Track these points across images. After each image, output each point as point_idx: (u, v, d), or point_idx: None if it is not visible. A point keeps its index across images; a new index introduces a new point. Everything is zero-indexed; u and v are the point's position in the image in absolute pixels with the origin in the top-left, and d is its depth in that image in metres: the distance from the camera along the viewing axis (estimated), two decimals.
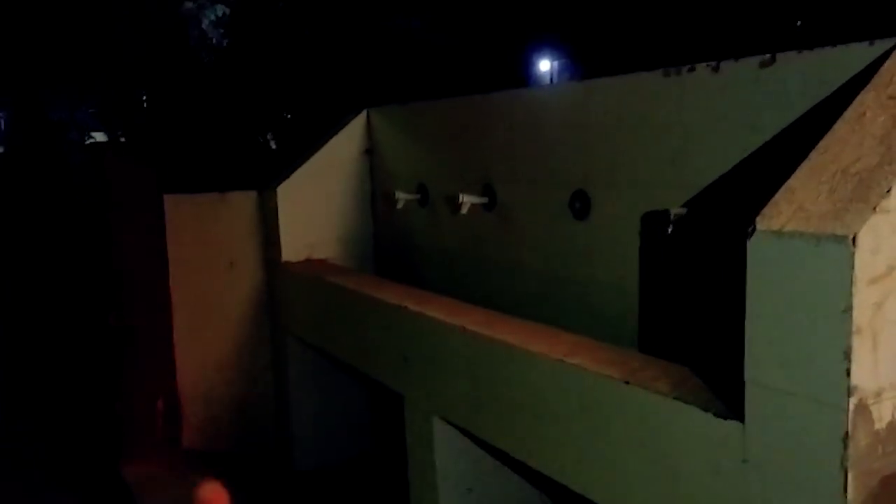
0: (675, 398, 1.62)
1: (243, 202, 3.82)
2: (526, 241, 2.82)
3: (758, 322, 1.42)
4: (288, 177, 3.65)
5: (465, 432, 2.45)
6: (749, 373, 1.44)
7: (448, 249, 3.29)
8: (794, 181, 1.45)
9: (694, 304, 2.14)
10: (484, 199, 2.97)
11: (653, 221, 2.21)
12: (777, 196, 1.44)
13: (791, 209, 1.39)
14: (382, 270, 3.79)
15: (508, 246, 2.91)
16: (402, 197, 3.42)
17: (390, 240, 3.77)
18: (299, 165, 3.69)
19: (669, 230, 2.05)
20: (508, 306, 2.55)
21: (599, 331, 2.29)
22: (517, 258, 2.86)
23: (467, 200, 2.94)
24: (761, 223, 1.41)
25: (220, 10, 12.52)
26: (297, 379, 3.72)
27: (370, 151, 3.79)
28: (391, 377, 2.76)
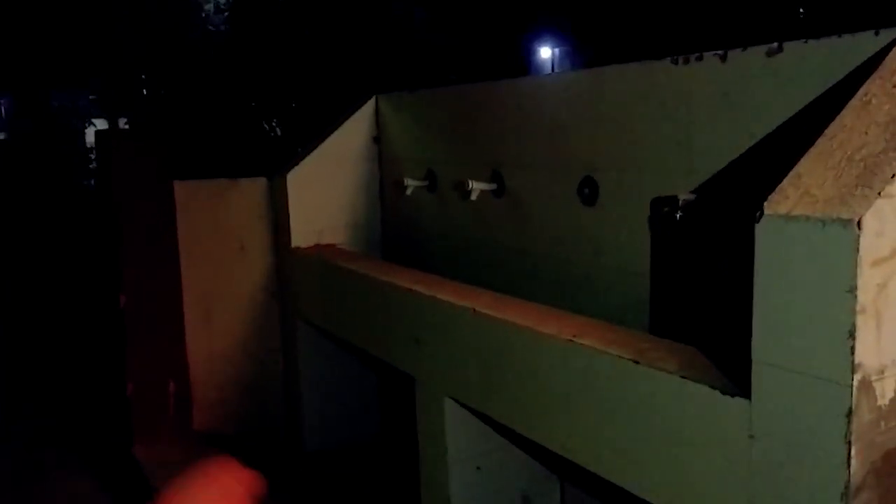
0: (682, 376, 1.68)
1: (253, 188, 3.87)
2: (534, 227, 2.87)
3: (765, 303, 1.47)
4: (297, 164, 3.70)
5: (475, 412, 2.51)
6: (756, 352, 1.50)
7: (456, 235, 3.35)
8: (801, 167, 1.50)
9: (702, 287, 2.20)
10: (493, 186, 3.02)
11: (661, 206, 2.26)
12: (784, 182, 1.49)
13: (798, 194, 1.44)
14: (390, 255, 3.84)
15: (517, 231, 2.96)
16: (410, 183, 3.47)
17: (398, 225, 3.82)
18: (308, 152, 3.74)
19: (678, 215, 2.10)
20: (517, 291, 2.60)
21: (608, 314, 2.34)
22: (526, 243, 2.92)
23: (476, 187, 2.99)
24: (769, 208, 1.46)
25: None
26: (306, 361, 3.78)
27: (378, 138, 3.84)
28: (402, 360, 2.82)
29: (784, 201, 1.45)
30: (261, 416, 4.05)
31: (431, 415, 2.65)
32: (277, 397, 3.99)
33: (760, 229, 1.47)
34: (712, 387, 1.61)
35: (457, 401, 2.54)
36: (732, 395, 1.56)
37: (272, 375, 3.98)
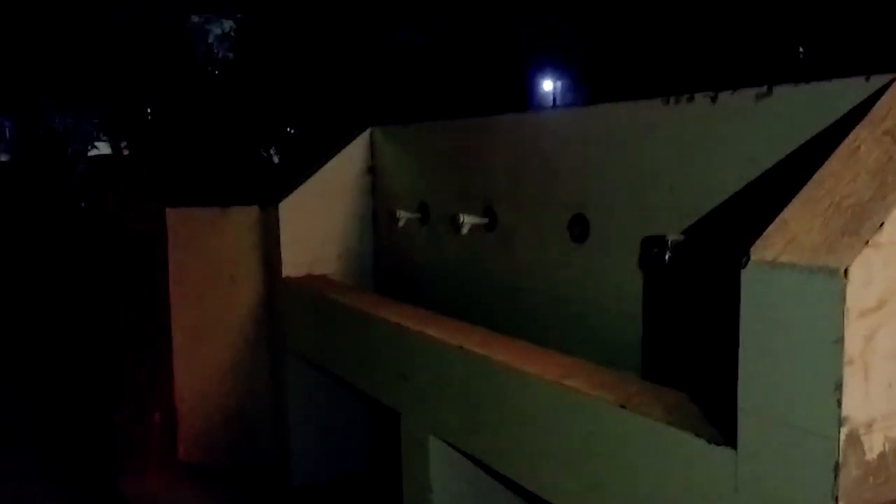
0: (668, 423, 1.64)
1: (245, 217, 3.85)
2: (525, 263, 2.85)
3: (750, 351, 1.44)
4: (290, 193, 3.68)
5: (460, 451, 2.46)
6: (742, 401, 1.46)
7: (448, 268, 3.32)
8: (788, 213, 1.48)
9: (692, 331, 2.16)
10: (484, 220, 3.00)
11: (651, 247, 2.23)
12: (771, 228, 1.47)
13: (784, 241, 1.42)
14: (382, 287, 3.81)
15: (508, 267, 2.94)
16: (403, 215, 3.45)
17: (390, 257, 3.79)
18: (302, 182, 3.72)
19: (667, 256, 2.07)
20: (507, 327, 2.57)
21: (597, 354, 2.31)
22: (517, 279, 2.89)
23: (468, 221, 2.97)
24: (755, 254, 1.43)
25: (227, 24, 12.65)
26: (295, 394, 3.73)
27: (372, 170, 3.82)
28: (389, 395, 2.78)
29: (770, 248, 1.43)
30: (248, 448, 3.99)
31: (416, 452, 2.60)
32: (265, 429, 3.93)
33: (746, 276, 1.44)
34: (698, 435, 1.57)
35: (442, 438, 2.49)
36: (718, 445, 1.52)
37: (261, 407, 3.92)
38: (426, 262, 3.48)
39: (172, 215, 3.89)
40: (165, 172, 4.09)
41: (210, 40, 11.95)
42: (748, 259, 1.44)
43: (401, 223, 3.47)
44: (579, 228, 2.54)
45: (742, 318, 1.45)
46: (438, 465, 2.52)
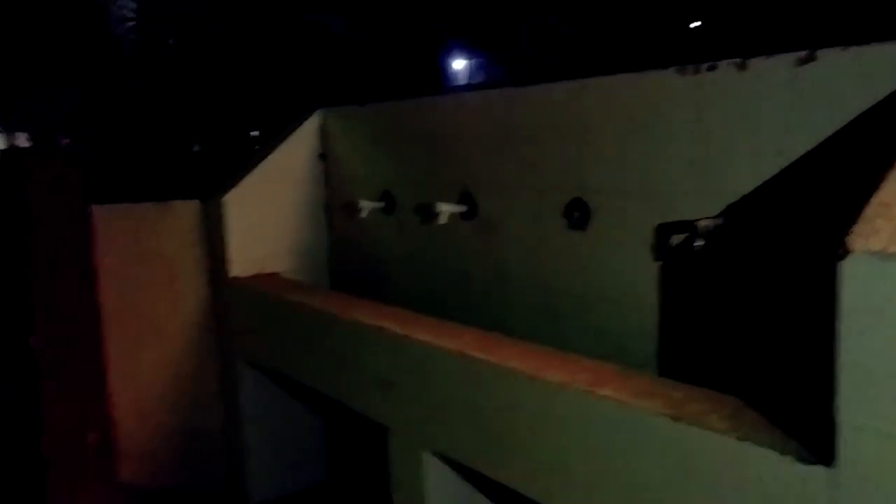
0: (739, 438, 1.44)
1: (184, 212, 3.47)
2: (513, 253, 2.61)
3: (854, 356, 1.24)
4: (235, 185, 3.33)
5: (460, 468, 2.22)
6: (843, 413, 1.27)
7: (418, 261, 3.05)
8: (886, 195, 1.29)
9: (720, 326, 1.97)
10: (462, 208, 2.75)
11: (670, 232, 2.03)
12: (868, 212, 1.27)
13: (892, 227, 1.22)
14: (338, 284, 3.51)
15: (492, 258, 2.69)
16: (366, 205, 3.15)
17: (348, 252, 3.49)
18: (247, 172, 3.37)
19: (697, 243, 1.87)
20: (491, 324, 2.34)
21: (602, 350, 2.12)
22: (502, 271, 2.65)
23: (445, 209, 2.71)
24: (856, 243, 1.23)
25: (130, 5, 11.87)
26: (248, 405, 3.41)
27: (324, 156, 3.50)
28: (371, 407, 2.50)
29: (875, 235, 1.23)
30: (197, 466, 3.63)
31: (407, 469, 2.34)
32: (216, 445, 3.59)
33: (846, 268, 1.24)
34: (781, 452, 1.37)
35: (438, 454, 2.24)
36: (808, 463, 1.33)
37: (210, 421, 3.57)
38: (392, 255, 3.20)
39: (101, 212, 3.48)
40: (88, 166, 3.66)
41: (114, 19, 11.20)
42: (846, 249, 1.23)
43: (363, 213, 3.17)
44: (579, 214, 2.32)
45: (841, 319, 1.25)
46: (434, 482, 2.28)
